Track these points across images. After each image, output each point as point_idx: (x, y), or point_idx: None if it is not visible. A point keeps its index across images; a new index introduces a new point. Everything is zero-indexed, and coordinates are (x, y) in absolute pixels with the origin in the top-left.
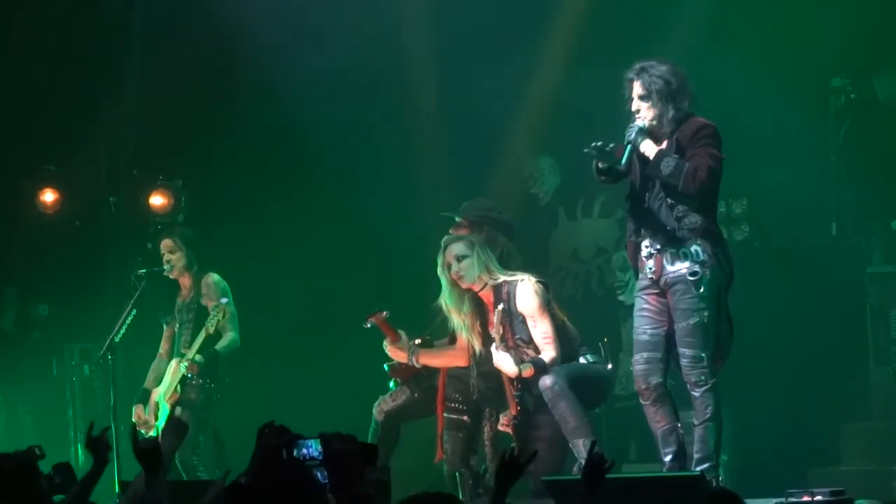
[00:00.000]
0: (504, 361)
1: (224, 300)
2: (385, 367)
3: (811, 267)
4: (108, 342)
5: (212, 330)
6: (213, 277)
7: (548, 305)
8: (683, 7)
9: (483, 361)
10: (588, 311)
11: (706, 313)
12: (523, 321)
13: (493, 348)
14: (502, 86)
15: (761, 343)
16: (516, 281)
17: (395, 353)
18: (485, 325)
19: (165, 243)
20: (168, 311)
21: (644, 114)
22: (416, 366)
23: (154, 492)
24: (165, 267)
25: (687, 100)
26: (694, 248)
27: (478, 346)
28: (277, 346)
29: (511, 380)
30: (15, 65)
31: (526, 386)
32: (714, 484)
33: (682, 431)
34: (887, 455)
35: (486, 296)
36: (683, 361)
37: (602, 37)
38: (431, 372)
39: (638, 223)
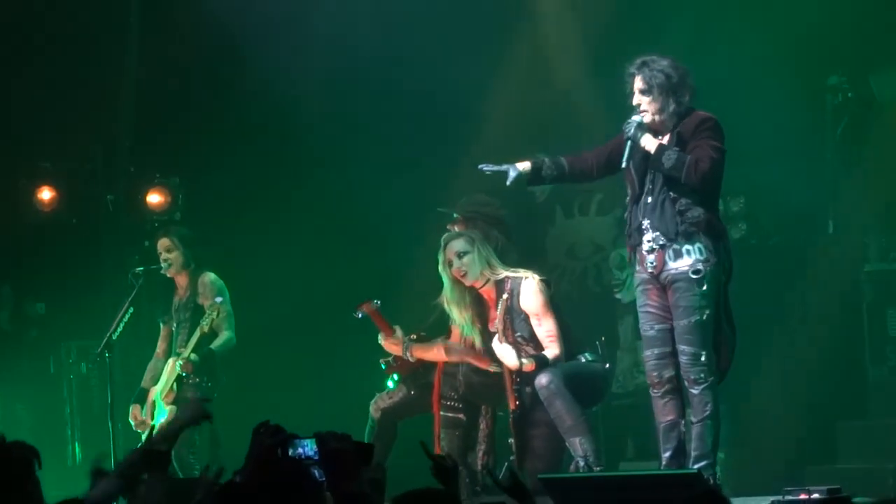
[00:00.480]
0: (506, 353)
1: (219, 299)
2: (382, 365)
3: (808, 265)
4: (105, 340)
5: (206, 329)
6: (210, 276)
7: (551, 303)
8: (680, 4)
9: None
10: (585, 309)
11: (707, 311)
12: (524, 318)
13: (494, 341)
14: (499, 82)
15: (758, 341)
16: (520, 278)
17: (390, 347)
18: (485, 322)
19: (163, 242)
20: (165, 310)
21: (645, 108)
22: (411, 360)
23: (151, 495)
24: (162, 265)
25: (688, 94)
26: (697, 244)
27: (478, 343)
28: (274, 345)
29: (511, 373)
30: (11, 62)
31: (524, 381)
32: (711, 482)
33: (684, 429)
34: (884, 453)
35: (488, 292)
36: (683, 359)
37: (598, 33)
38: (427, 369)
39: (639, 218)
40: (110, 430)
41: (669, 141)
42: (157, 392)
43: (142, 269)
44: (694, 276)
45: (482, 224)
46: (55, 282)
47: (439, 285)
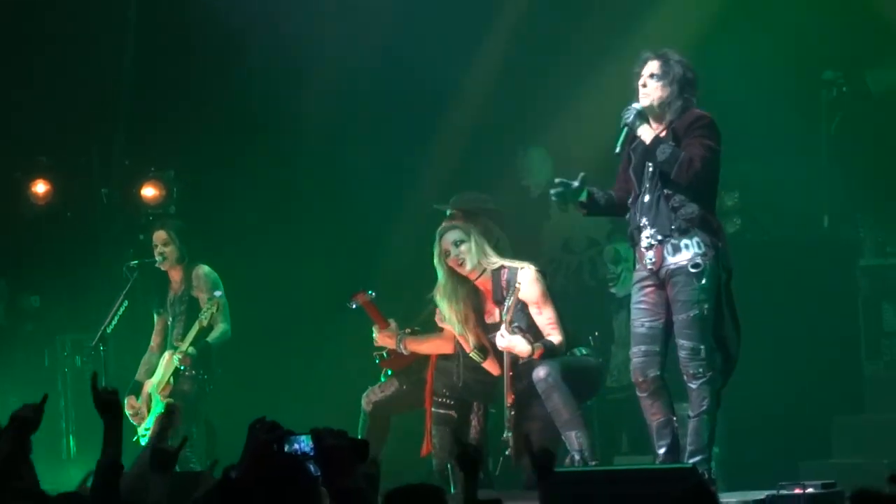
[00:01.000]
0: (516, 342)
1: (218, 293)
2: (375, 360)
3: (803, 259)
4: (99, 333)
5: (205, 323)
6: (204, 269)
7: (549, 292)
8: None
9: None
10: (579, 303)
11: (706, 305)
12: (522, 309)
13: (501, 332)
14: (495, 77)
15: (753, 336)
16: (516, 269)
17: (384, 340)
18: (480, 314)
19: (158, 235)
20: (160, 303)
21: (650, 92)
22: (404, 352)
23: (156, 491)
24: (158, 258)
25: (693, 95)
26: (695, 239)
27: (472, 340)
28: (269, 338)
29: (510, 367)
30: (8, 56)
31: (518, 376)
32: (706, 476)
33: (677, 425)
34: (878, 448)
35: (483, 283)
36: (682, 353)
37: (595, 28)
38: (420, 364)
39: (637, 213)
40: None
41: (665, 134)
42: (153, 385)
43: (136, 262)
44: (693, 270)
45: (484, 219)
46: (50, 275)
47: (433, 280)
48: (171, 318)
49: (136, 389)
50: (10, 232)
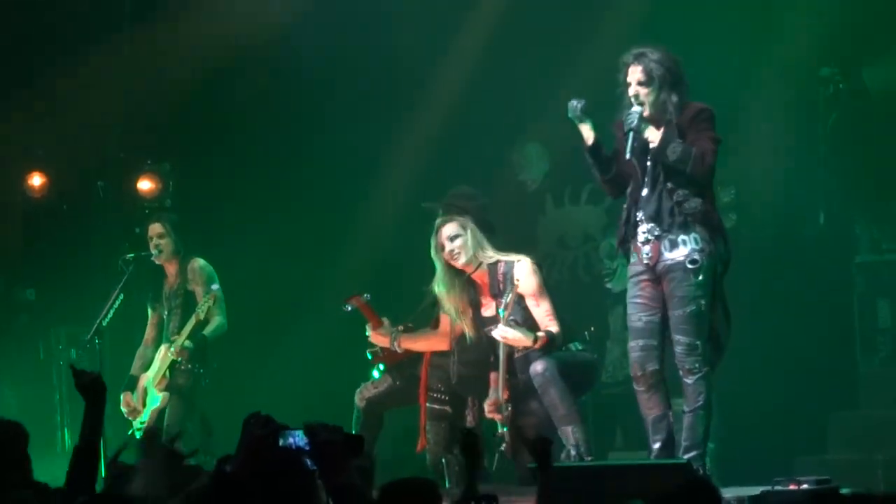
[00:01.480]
0: (518, 333)
1: (215, 287)
2: (368, 355)
3: (798, 256)
4: (95, 326)
5: (202, 316)
6: (199, 262)
7: (545, 284)
8: None
9: (466, 348)
10: (575, 298)
11: (703, 301)
12: (518, 301)
13: (500, 325)
14: (491, 71)
15: (748, 331)
16: (513, 262)
17: (378, 339)
18: (476, 307)
19: (154, 228)
20: (155, 297)
21: (644, 99)
22: (399, 350)
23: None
24: (153, 251)
25: (685, 86)
26: (693, 234)
27: (469, 332)
28: (263, 332)
29: (507, 362)
30: (4, 50)
31: (513, 372)
32: (700, 472)
33: (672, 420)
34: (873, 444)
35: (480, 277)
36: (678, 349)
37: (591, 23)
38: (413, 360)
39: (635, 209)
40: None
41: (669, 133)
42: (149, 379)
43: (132, 255)
44: (690, 266)
45: (472, 216)
46: (45, 268)
47: (428, 275)
48: (166, 312)
49: (132, 384)
50: (5, 224)
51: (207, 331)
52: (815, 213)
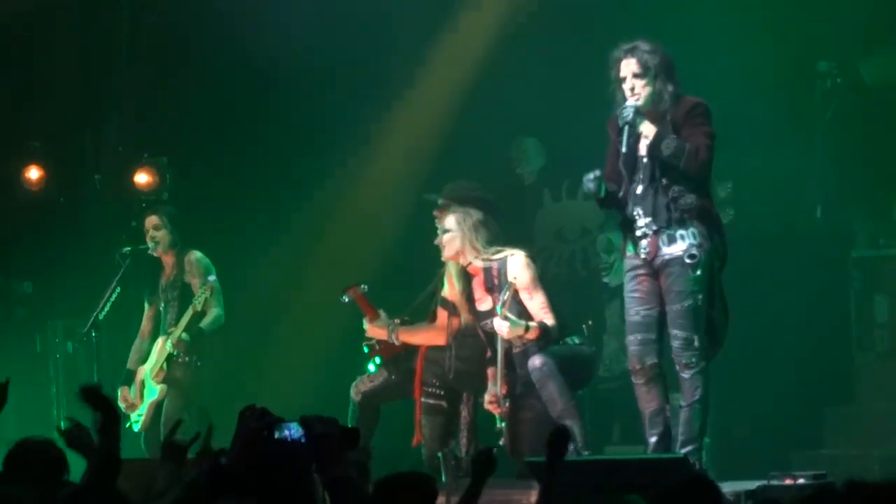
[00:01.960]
0: (511, 324)
1: (211, 278)
2: (364, 348)
3: (796, 250)
4: (92, 319)
5: (199, 308)
6: (196, 255)
7: (539, 277)
8: None
9: (463, 343)
10: (572, 292)
11: (700, 296)
12: (513, 295)
13: (497, 319)
14: (489, 65)
15: (745, 326)
16: (506, 257)
17: (375, 332)
18: (471, 300)
19: (151, 220)
20: (152, 290)
21: (639, 92)
22: (396, 343)
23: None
24: (150, 244)
25: (678, 78)
26: (691, 229)
27: (465, 321)
28: (260, 325)
29: (505, 353)
30: (1, 43)
31: (511, 366)
32: (697, 466)
33: (669, 414)
34: (870, 439)
35: (475, 270)
36: (675, 343)
37: (589, 17)
38: (409, 354)
39: (632, 204)
40: None
41: (664, 128)
42: (147, 371)
43: (129, 248)
44: (688, 261)
45: (474, 208)
46: (42, 261)
47: (427, 269)
48: (163, 305)
49: (129, 378)
50: (2, 217)
51: (205, 323)
52: (812, 207)
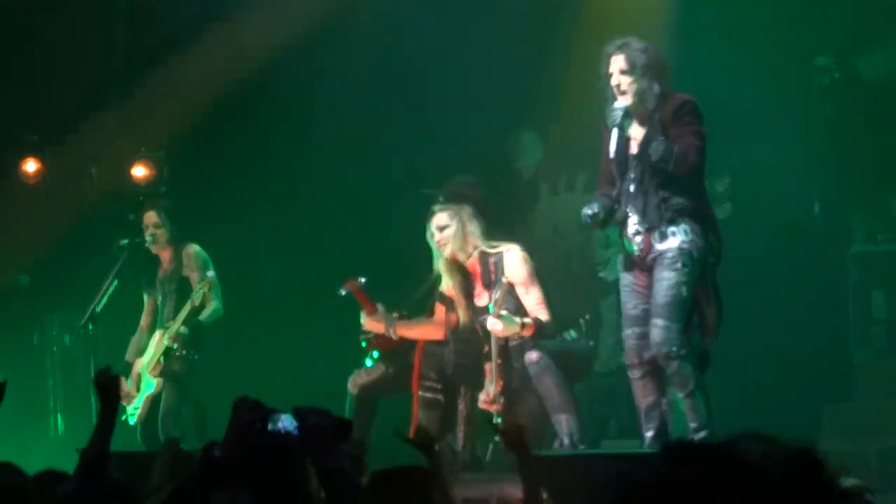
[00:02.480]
0: (505, 322)
1: (210, 273)
2: (362, 343)
3: (794, 246)
4: (89, 312)
5: (197, 302)
6: (194, 248)
7: (535, 272)
8: None
9: (460, 338)
10: (569, 286)
11: (684, 289)
12: (509, 291)
13: (490, 318)
14: (486, 61)
15: (742, 321)
16: (502, 252)
17: (372, 325)
18: (470, 296)
19: (149, 217)
20: (150, 282)
21: (626, 89)
22: (394, 338)
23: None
24: (148, 239)
25: (667, 77)
26: (682, 226)
27: (462, 316)
28: (258, 318)
29: (501, 349)
30: None
31: (508, 361)
32: None
33: (666, 408)
34: (867, 435)
35: (472, 265)
36: (654, 332)
37: (586, 11)
38: (407, 348)
39: (625, 202)
40: (93, 402)
41: (652, 129)
42: (144, 364)
43: (126, 241)
44: (679, 256)
45: (470, 206)
46: (40, 254)
47: (426, 264)
48: (161, 298)
49: (126, 370)
50: (0, 210)
51: (203, 316)
52: (810, 203)
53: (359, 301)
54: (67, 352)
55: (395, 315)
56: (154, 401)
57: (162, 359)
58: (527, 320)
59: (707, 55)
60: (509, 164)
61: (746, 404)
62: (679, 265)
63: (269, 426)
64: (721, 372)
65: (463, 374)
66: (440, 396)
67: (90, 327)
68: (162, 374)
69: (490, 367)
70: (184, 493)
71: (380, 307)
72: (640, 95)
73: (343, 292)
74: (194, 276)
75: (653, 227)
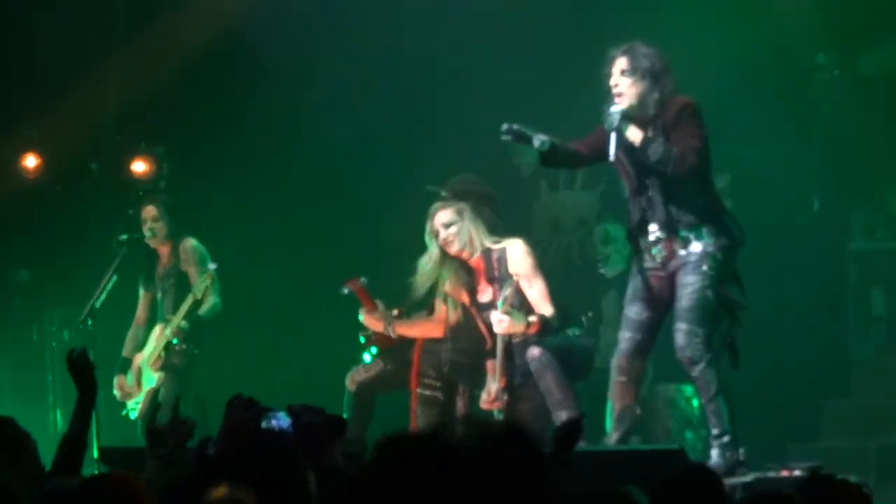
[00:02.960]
0: (514, 318)
1: (212, 266)
2: (361, 338)
3: (793, 243)
4: (88, 308)
5: (199, 295)
6: (192, 242)
7: (539, 265)
8: None
9: (459, 336)
10: (569, 283)
11: (709, 291)
12: (515, 287)
13: (497, 312)
14: (486, 57)
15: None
16: (505, 247)
17: (372, 323)
18: (472, 291)
19: (148, 210)
20: (149, 278)
21: (623, 90)
22: (393, 336)
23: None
24: (147, 234)
25: (670, 84)
26: (704, 229)
27: (464, 313)
28: (257, 314)
29: (505, 346)
30: None
31: (510, 356)
32: (736, 459)
33: (639, 412)
34: (866, 432)
35: (476, 262)
36: (679, 336)
37: (585, 8)
38: (405, 345)
39: (639, 210)
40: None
41: (653, 131)
42: (144, 358)
43: (126, 237)
44: (705, 259)
45: (473, 202)
46: (39, 249)
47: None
48: (160, 294)
49: (125, 366)
50: None
51: (202, 311)
52: (809, 200)
53: (360, 299)
54: (67, 347)
55: (394, 313)
56: (155, 395)
57: (163, 353)
58: (532, 318)
59: (707, 53)
60: (509, 161)
61: (745, 400)
62: (704, 268)
63: (263, 424)
64: (719, 369)
65: (461, 372)
66: (439, 394)
67: (89, 323)
68: (163, 369)
69: (493, 365)
70: (178, 490)
71: (380, 305)
72: (639, 99)
73: (345, 291)
74: (193, 271)
75: (673, 233)
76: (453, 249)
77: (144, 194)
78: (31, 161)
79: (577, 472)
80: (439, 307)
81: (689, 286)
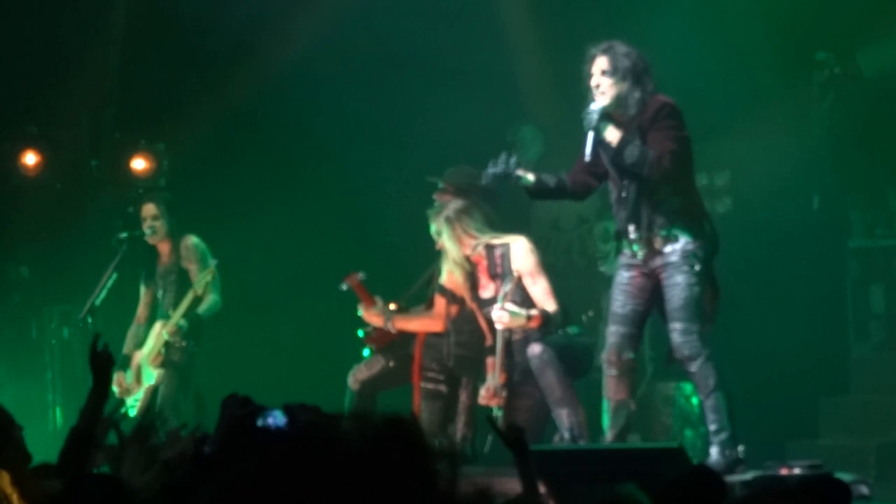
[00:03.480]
0: (511, 314)
1: (214, 261)
2: (360, 334)
3: (792, 240)
4: (88, 305)
5: (200, 291)
6: (192, 240)
7: (542, 263)
8: None
9: (461, 329)
10: (569, 281)
11: (697, 288)
12: (516, 283)
13: (497, 308)
14: (488, 55)
15: (740, 316)
16: (509, 243)
17: (371, 318)
18: (475, 287)
19: (148, 208)
20: (149, 275)
21: (604, 90)
22: (392, 331)
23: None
24: (147, 231)
25: (651, 83)
26: (683, 228)
27: (465, 308)
28: (257, 311)
29: (505, 342)
30: None
31: (510, 353)
32: (734, 457)
33: (633, 409)
34: (865, 429)
35: (478, 258)
36: (674, 335)
37: (584, 6)
38: (406, 340)
39: (620, 209)
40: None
41: (630, 132)
42: (144, 356)
43: (126, 234)
44: (685, 257)
45: (474, 196)
46: (39, 246)
47: (425, 256)
48: (161, 291)
49: (125, 363)
50: None
51: (202, 309)
52: (809, 197)
53: (358, 295)
54: (66, 345)
55: (392, 307)
56: (155, 392)
57: (163, 350)
58: (532, 312)
59: (707, 50)
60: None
61: (745, 397)
62: (687, 267)
63: (259, 422)
64: (720, 365)
65: (464, 365)
66: (442, 387)
67: (89, 320)
68: (162, 366)
69: (493, 361)
70: (175, 489)
71: (378, 301)
72: (619, 99)
73: (344, 287)
74: (194, 268)
75: (652, 232)
76: (451, 257)
77: (144, 192)
78: (30, 158)
79: (577, 471)
80: (438, 301)
81: (677, 286)
